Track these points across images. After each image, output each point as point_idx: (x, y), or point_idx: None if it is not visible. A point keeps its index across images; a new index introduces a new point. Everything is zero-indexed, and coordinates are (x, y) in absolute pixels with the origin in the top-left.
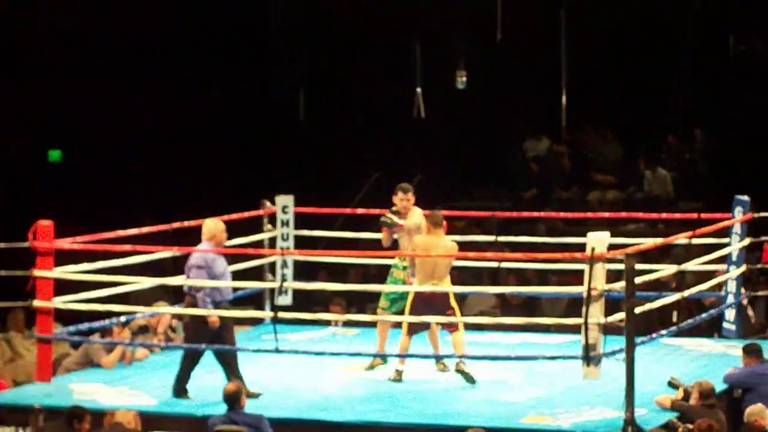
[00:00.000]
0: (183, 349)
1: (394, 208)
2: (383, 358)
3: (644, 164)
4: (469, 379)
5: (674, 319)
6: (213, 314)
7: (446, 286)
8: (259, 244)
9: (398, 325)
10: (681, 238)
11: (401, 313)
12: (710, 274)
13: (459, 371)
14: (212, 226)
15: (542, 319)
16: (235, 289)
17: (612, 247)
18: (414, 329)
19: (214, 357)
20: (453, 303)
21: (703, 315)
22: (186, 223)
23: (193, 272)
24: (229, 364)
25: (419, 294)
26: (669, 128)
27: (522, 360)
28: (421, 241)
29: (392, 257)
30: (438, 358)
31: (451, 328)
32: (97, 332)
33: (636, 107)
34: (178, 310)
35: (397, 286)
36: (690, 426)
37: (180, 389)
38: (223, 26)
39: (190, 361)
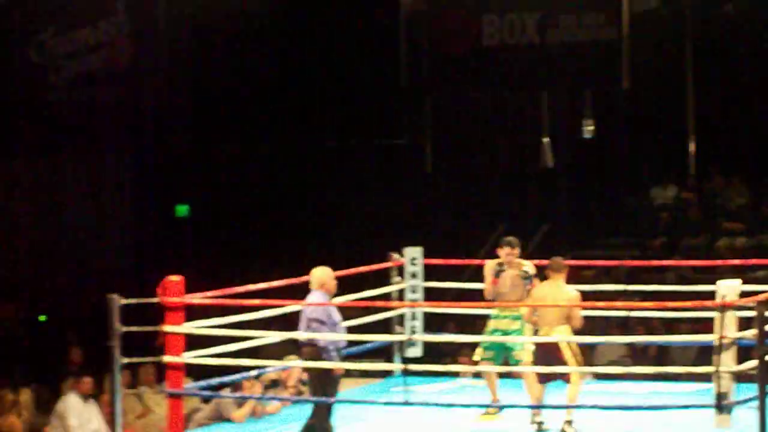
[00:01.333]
0: (313, 402)
1: (498, 260)
2: (499, 407)
3: None
4: None
5: None
6: (339, 366)
7: (561, 336)
8: (387, 297)
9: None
10: None
11: (504, 361)
12: None
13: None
14: (321, 274)
15: (673, 368)
16: (362, 342)
17: (742, 294)
18: (543, 378)
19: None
20: (567, 353)
21: None
22: None
23: (314, 326)
24: (323, 413)
25: (540, 343)
26: None
27: (654, 410)
28: (538, 290)
29: (518, 308)
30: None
31: (564, 378)
32: (228, 387)
33: (764, 152)
34: (308, 363)
35: (491, 337)
36: None
37: None
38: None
39: (326, 414)
